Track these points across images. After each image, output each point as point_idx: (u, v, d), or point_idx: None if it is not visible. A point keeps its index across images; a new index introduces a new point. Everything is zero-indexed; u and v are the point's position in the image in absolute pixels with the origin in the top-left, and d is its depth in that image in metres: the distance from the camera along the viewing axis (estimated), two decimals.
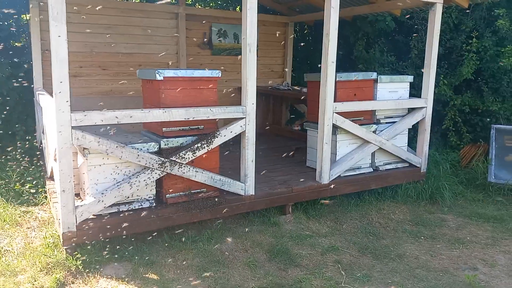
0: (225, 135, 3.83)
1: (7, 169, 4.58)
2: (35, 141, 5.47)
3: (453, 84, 6.50)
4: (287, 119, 7.47)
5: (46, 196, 4.37)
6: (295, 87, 7.06)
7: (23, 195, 4.29)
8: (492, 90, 6.37)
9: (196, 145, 3.67)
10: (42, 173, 4.61)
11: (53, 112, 3.07)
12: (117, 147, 3.30)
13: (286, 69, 7.56)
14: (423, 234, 4.29)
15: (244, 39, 3.80)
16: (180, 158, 3.61)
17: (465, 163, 6.16)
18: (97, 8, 5.60)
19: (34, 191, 4.31)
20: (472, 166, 5.97)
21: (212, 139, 3.75)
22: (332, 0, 4.14)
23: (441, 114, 6.51)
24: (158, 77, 3.54)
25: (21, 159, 4.75)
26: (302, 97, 5.16)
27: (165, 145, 3.62)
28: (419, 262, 3.72)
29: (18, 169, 4.63)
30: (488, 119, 6.29)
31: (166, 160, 3.54)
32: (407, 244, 4.07)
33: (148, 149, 3.50)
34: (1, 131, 5.28)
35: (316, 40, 7.36)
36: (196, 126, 3.79)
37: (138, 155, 3.40)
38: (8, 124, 5.21)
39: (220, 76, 3.86)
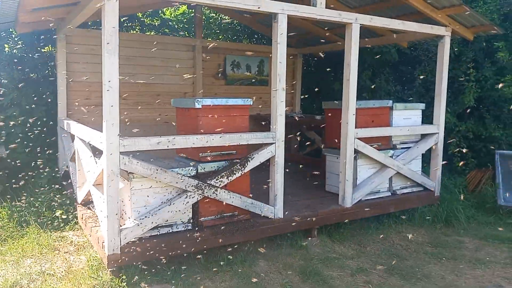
0: (257, 159, 4.00)
1: (35, 196, 4.64)
2: (56, 168, 5.54)
3: (456, 112, 6.81)
4: (296, 145, 7.68)
5: (77, 222, 4.44)
6: (307, 115, 7.30)
7: (55, 221, 4.35)
8: (493, 117, 6.69)
9: (231, 169, 3.83)
10: (70, 200, 4.69)
11: (103, 138, 3.22)
12: (161, 171, 3.43)
13: (298, 97, 7.83)
14: (444, 256, 4.43)
15: (274, 70, 4.04)
16: (217, 182, 3.75)
17: (472, 188, 6.37)
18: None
19: (65, 217, 4.38)
20: (480, 190, 6.19)
21: (246, 163, 3.91)
22: (353, 35, 4.44)
23: (446, 140, 6.78)
24: (197, 106, 3.74)
25: (47, 186, 4.82)
26: (321, 125, 5.37)
27: (202, 169, 3.77)
28: (445, 281, 3.85)
29: (44, 196, 4.70)
30: (491, 145, 6.57)
31: (205, 184, 3.67)
32: (431, 265, 4.20)
33: (187, 173, 3.64)
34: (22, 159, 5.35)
35: (321, 70, 7.68)
36: (229, 152, 3.95)
37: (180, 179, 3.54)
38: (31, 152, 5.30)
39: (251, 104, 4.07)
